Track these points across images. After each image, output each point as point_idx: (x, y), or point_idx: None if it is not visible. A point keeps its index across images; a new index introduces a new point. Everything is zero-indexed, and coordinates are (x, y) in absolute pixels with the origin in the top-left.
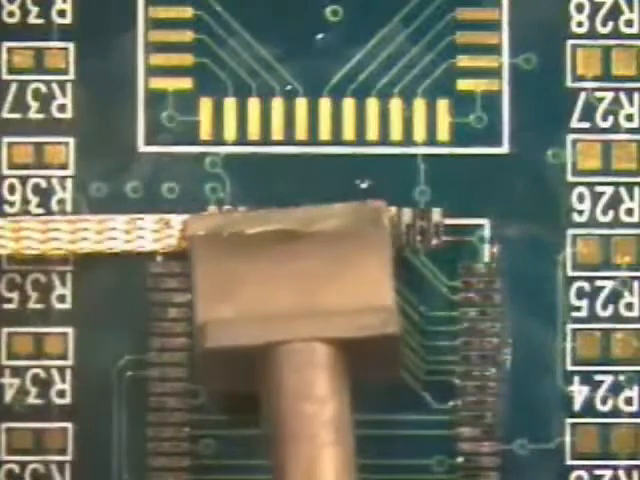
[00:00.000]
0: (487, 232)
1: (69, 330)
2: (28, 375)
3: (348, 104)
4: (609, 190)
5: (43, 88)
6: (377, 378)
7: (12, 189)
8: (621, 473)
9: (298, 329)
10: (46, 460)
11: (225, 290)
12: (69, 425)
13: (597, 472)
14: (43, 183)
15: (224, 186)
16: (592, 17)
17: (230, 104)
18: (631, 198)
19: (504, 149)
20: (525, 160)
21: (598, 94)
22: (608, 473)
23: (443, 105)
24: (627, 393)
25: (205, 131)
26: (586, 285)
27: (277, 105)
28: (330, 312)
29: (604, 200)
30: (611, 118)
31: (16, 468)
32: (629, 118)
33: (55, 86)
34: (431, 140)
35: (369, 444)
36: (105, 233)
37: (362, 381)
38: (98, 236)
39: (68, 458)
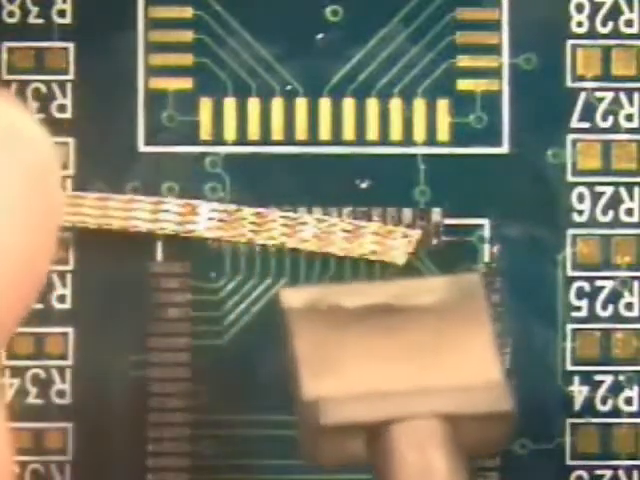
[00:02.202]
0: (487, 232)
1: (69, 330)
2: (28, 375)
3: (348, 104)
4: (609, 190)
5: (43, 88)
6: (484, 453)
7: None
8: (621, 473)
9: (414, 405)
10: (46, 460)
11: (329, 364)
12: (69, 425)
13: (597, 472)
14: None
15: (224, 186)
16: (592, 17)
17: (230, 104)
18: (631, 198)
19: (504, 149)
20: (525, 160)
21: (598, 94)
22: (608, 473)
23: (443, 105)
24: (627, 393)
25: (205, 131)
26: (586, 285)
27: (277, 105)
28: (442, 388)
29: (604, 200)
30: (611, 118)
31: (16, 468)
32: (629, 118)
33: (55, 86)
34: (431, 140)
35: None
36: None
37: (471, 457)
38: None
39: (68, 458)
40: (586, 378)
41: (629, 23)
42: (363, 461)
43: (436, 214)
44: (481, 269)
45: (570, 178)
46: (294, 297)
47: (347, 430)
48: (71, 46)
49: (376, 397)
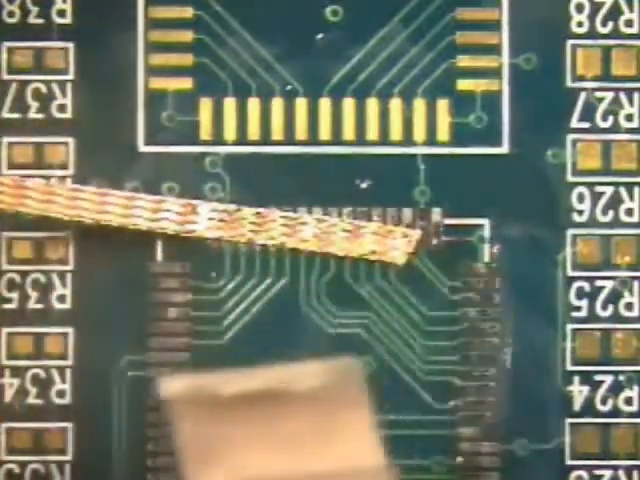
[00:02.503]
0: (487, 232)
1: (69, 330)
2: (28, 375)
3: (348, 104)
4: (609, 190)
5: (43, 88)
6: None
7: None
8: (621, 473)
9: None
10: (46, 460)
11: (212, 454)
12: (69, 425)
13: (597, 472)
14: None
15: (224, 186)
16: (592, 17)
17: (230, 104)
18: (631, 198)
19: (504, 149)
20: (525, 160)
21: (598, 94)
22: (608, 473)
23: (443, 105)
24: (627, 393)
25: (205, 131)
26: (586, 285)
27: (277, 105)
28: (323, 474)
29: (604, 200)
30: (611, 118)
31: (16, 468)
32: (629, 118)
33: (55, 86)
34: (431, 140)
35: None
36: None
37: None
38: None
39: (68, 458)
40: (586, 378)
41: (629, 23)
42: None
43: (436, 214)
44: (481, 269)
45: (570, 178)
46: (174, 387)
47: None
48: (71, 46)
49: None
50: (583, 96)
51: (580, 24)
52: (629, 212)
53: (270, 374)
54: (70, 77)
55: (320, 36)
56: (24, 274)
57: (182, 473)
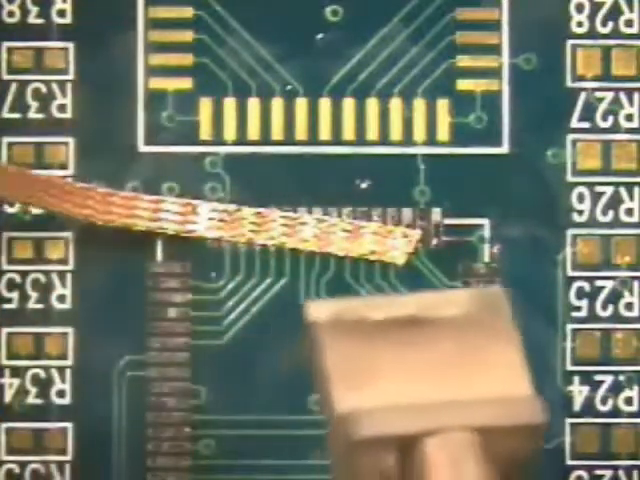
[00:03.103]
0: (487, 232)
1: (69, 330)
2: (28, 375)
3: (348, 104)
4: (609, 190)
5: (43, 88)
6: (515, 466)
7: None
8: (621, 473)
9: (448, 418)
10: (46, 460)
11: (360, 377)
12: (69, 425)
13: (597, 472)
14: None
15: (224, 186)
16: (592, 17)
17: (230, 104)
18: (631, 198)
19: (504, 149)
20: (525, 160)
21: (598, 94)
22: (608, 473)
23: (443, 105)
24: (627, 393)
25: (205, 131)
26: (586, 285)
27: (277, 105)
28: (474, 401)
29: (604, 200)
30: (611, 118)
31: (16, 468)
32: (629, 118)
33: (55, 86)
34: (431, 140)
35: None
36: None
37: (503, 468)
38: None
39: (68, 458)
40: (586, 378)
41: (629, 23)
42: (396, 475)
43: (436, 214)
44: (481, 269)
45: (570, 178)
46: (320, 310)
47: (381, 443)
48: (71, 46)
49: (409, 409)
50: (583, 96)
51: (580, 24)
52: (629, 212)
53: (417, 300)
54: (70, 77)
55: (320, 36)
56: (24, 274)
57: (327, 399)
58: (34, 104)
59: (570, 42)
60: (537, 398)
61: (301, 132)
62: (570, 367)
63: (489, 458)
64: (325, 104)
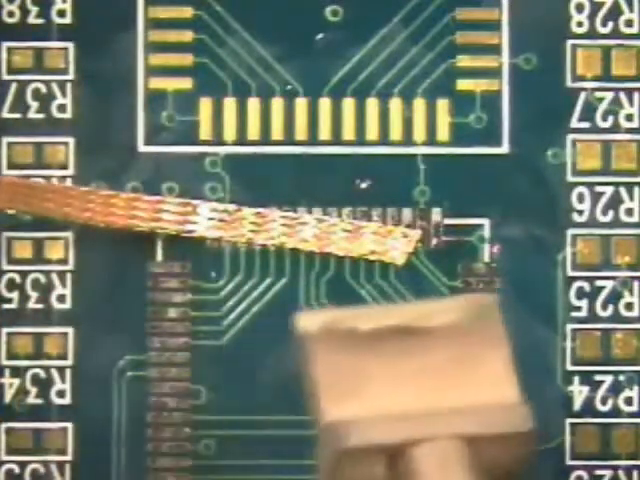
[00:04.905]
0: (487, 232)
1: (69, 330)
2: (28, 375)
3: (348, 104)
4: (609, 190)
5: (43, 88)
6: (505, 474)
7: None
8: (621, 473)
9: (436, 426)
10: (46, 460)
11: (349, 387)
12: (69, 425)
13: (597, 472)
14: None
15: (224, 186)
16: (592, 17)
17: (230, 104)
18: (631, 198)
19: (504, 149)
20: (525, 160)
21: (598, 94)
22: (608, 473)
23: (443, 105)
24: (627, 393)
25: (205, 131)
26: (586, 285)
27: (277, 105)
28: (463, 409)
29: (604, 200)
30: (611, 118)
31: (16, 468)
32: (629, 118)
33: (55, 86)
34: (431, 140)
35: None
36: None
37: (493, 477)
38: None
39: (68, 458)
40: (586, 378)
41: (629, 23)
42: None
43: (436, 214)
44: (481, 269)
45: (570, 178)
46: (310, 321)
47: (369, 452)
48: (71, 46)
49: (397, 419)
50: (583, 96)
51: (580, 24)
52: (629, 212)
53: (407, 310)
54: (70, 77)
55: (320, 36)
56: (24, 274)
57: (316, 409)
58: (34, 104)
59: (570, 42)
60: (525, 406)
61: (301, 132)
62: (570, 367)
63: (478, 466)
64: (325, 104)
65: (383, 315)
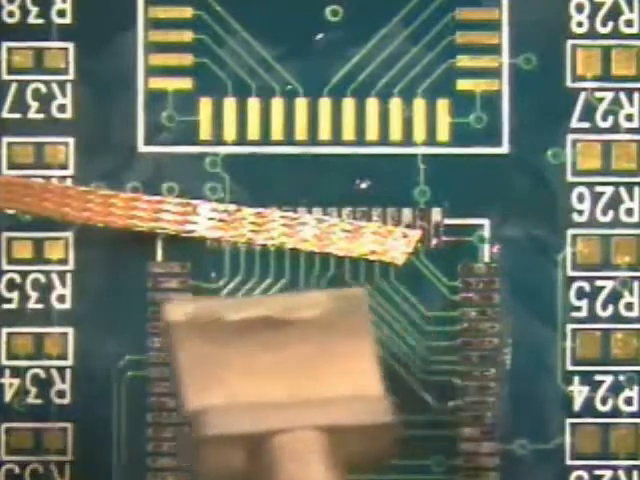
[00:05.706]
0: (487, 232)
1: (69, 330)
2: (28, 375)
3: (348, 104)
4: (609, 190)
5: (43, 88)
6: (369, 465)
7: None
8: (621, 473)
9: (295, 417)
10: (46, 460)
11: (211, 377)
12: (69, 425)
13: (597, 472)
14: None
15: (224, 186)
16: (592, 17)
17: (230, 104)
18: (631, 198)
19: (504, 149)
20: (525, 160)
21: (598, 94)
22: (608, 473)
23: (443, 105)
24: (627, 393)
25: (205, 131)
26: (586, 285)
27: (277, 105)
28: (323, 401)
29: (604, 200)
30: (611, 118)
31: (16, 468)
32: (629, 118)
33: (55, 86)
34: (431, 140)
35: None
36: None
37: (355, 468)
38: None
39: (68, 458)
40: (586, 378)
41: (629, 23)
42: (244, 474)
43: (436, 214)
44: (481, 269)
45: (570, 178)
46: (176, 311)
47: (229, 441)
48: (71, 46)
49: (258, 409)
50: (583, 96)
51: (580, 24)
52: (629, 212)
53: (274, 301)
54: (70, 77)
55: (320, 36)
56: (24, 274)
57: (179, 397)
58: (34, 104)
59: (570, 42)
60: (386, 398)
61: (301, 132)
62: (570, 367)
63: (339, 457)
64: (325, 104)
65: (250, 306)
